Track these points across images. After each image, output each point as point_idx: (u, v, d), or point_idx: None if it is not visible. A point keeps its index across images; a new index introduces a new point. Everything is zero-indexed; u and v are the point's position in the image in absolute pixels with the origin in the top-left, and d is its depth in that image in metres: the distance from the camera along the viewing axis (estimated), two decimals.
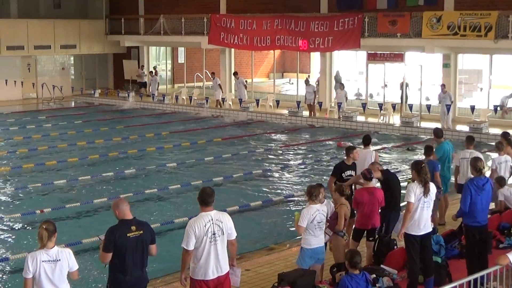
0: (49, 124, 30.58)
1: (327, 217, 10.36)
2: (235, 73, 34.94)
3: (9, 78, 37.51)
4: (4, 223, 15.63)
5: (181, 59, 42.61)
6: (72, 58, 43.25)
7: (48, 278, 7.70)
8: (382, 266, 11.01)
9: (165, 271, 11.88)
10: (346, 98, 31.18)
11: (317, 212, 10.10)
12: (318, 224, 10.09)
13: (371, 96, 33.24)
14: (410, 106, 29.67)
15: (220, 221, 8.51)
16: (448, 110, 27.11)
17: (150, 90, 38.37)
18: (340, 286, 8.54)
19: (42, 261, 7.68)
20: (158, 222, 14.72)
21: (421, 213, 10.01)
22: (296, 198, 17.41)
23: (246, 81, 35.47)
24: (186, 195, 18.04)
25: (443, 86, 28.05)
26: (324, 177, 18.25)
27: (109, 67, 44.10)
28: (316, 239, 10.16)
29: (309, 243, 10.18)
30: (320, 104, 31.46)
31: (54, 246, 7.78)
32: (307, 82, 32.28)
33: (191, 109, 35.00)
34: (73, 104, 39.34)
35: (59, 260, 7.75)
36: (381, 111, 29.69)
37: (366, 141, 14.24)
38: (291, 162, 22.01)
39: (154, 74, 38.92)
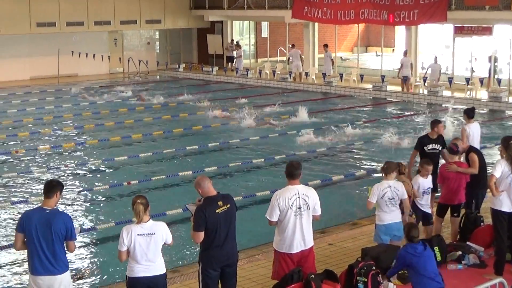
0: (134, 98, 31.09)
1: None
2: (326, 46, 34.62)
3: (96, 53, 38.21)
4: (93, 194, 16.03)
5: (265, 33, 42.58)
6: (157, 33, 43.78)
7: (143, 251, 7.80)
8: (468, 243, 10.81)
9: (246, 244, 11.95)
10: (440, 72, 30.43)
11: (388, 189, 9.99)
12: (389, 200, 9.98)
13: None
14: (499, 81, 28.89)
15: (307, 195, 8.53)
16: None
17: (236, 65, 38.51)
18: (397, 256, 8.62)
19: (137, 235, 7.79)
20: (240, 196, 14.78)
21: (509, 189, 9.77)
22: (379, 174, 17.20)
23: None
24: (269, 169, 18.08)
25: None
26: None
27: (193, 42, 44.45)
28: (388, 215, 10.03)
29: (381, 219, 10.10)
30: (404, 78, 30.96)
31: (149, 220, 7.89)
32: (405, 53, 31.42)
33: (275, 83, 35.02)
34: (158, 78, 39.91)
35: (154, 233, 7.85)
36: (468, 86, 29.02)
37: (471, 114, 13.87)
38: (374, 137, 21.75)
39: (239, 48, 39.04)
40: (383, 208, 10.00)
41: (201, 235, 8.14)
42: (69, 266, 8.07)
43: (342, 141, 21.06)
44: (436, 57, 30.53)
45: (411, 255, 8.44)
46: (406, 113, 26.89)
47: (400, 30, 39.08)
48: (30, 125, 24.73)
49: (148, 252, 7.83)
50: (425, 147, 12.60)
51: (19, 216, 8.26)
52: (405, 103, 29.23)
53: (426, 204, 11.13)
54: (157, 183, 16.71)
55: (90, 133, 23.17)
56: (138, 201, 7.83)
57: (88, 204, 15.37)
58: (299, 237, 8.53)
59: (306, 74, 34.45)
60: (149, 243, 7.82)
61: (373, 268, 9.00)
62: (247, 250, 11.60)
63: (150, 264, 7.88)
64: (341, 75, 33.02)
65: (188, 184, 16.25)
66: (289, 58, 36.15)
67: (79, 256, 11.95)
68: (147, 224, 7.86)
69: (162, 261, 8.04)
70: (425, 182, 11.01)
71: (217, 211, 8.17)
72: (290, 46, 36.64)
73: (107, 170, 18.28)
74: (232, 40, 40.89)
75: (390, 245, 9.93)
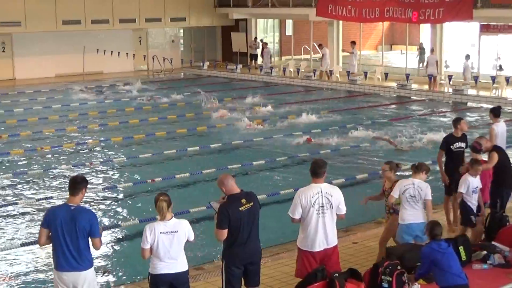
0: (159, 95, 31.19)
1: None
2: (353, 43, 34.43)
3: (121, 50, 38.39)
4: (117, 191, 16.09)
5: (289, 31, 42.56)
6: (181, 31, 43.88)
7: (166, 249, 7.81)
8: (493, 242, 10.70)
9: (270, 242, 11.92)
10: (469, 69, 30.06)
11: (411, 186, 9.91)
12: (410, 198, 9.89)
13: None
14: None
15: (330, 194, 8.51)
16: None
17: (263, 62, 38.39)
18: (422, 256, 8.51)
19: (160, 233, 7.80)
20: (264, 193, 14.75)
21: None
22: (403, 173, 17.09)
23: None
24: (294, 168, 18.03)
25: None
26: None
27: (217, 40, 44.49)
28: (410, 214, 9.92)
29: (402, 218, 10.01)
30: (430, 76, 30.77)
31: (172, 218, 7.90)
32: (432, 51, 31.17)
33: (298, 81, 34.99)
34: (182, 76, 40.00)
35: (177, 231, 7.86)
36: (494, 85, 28.76)
37: (497, 113, 13.74)
38: (399, 135, 21.62)
39: (266, 46, 38.93)
40: (404, 204, 9.93)
41: (224, 232, 8.14)
42: (93, 262, 8.09)
43: (365, 140, 20.96)
44: (468, 54, 30.14)
45: (435, 251, 8.35)
46: (428, 112, 26.71)
47: (425, 28, 38.82)
48: (55, 122, 24.87)
49: (171, 250, 7.85)
50: (451, 146, 12.49)
51: (44, 212, 8.30)
52: (430, 102, 29.04)
53: (475, 203, 11.04)
54: (180, 180, 16.73)
55: (115, 130, 23.25)
56: (161, 198, 7.85)
57: (112, 201, 15.43)
58: (322, 235, 8.50)
59: (331, 72, 34.35)
60: (172, 241, 7.84)
61: (398, 267, 8.93)
62: (271, 248, 11.59)
63: (173, 261, 7.90)
64: (365, 73, 32.89)
65: (212, 182, 16.26)
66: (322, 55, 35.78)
67: (103, 252, 11.99)
68: (170, 222, 7.87)
69: (185, 258, 8.06)
70: (474, 181, 10.93)
71: (240, 209, 8.17)
72: (317, 45, 36.40)
73: (131, 168, 18.35)
74: (256, 38, 40.90)
75: (415, 244, 9.85)
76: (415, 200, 9.92)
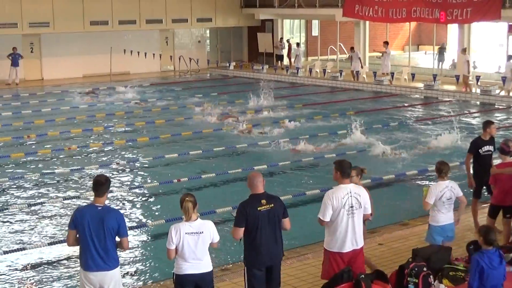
0: (185, 95, 31.30)
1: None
2: (386, 43, 34.17)
3: (148, 51, 38.59)
4: (143, 191, 16.16)
5: (315, 32, 42.50)
6: (208, 31, 43.99)
7: (191, 250, 7.84)
8: None
9: (295, 243, 11.91)
10: None
11: (446, 189, 9.86)
12: (447, 200, 9.86)
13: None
14: None
15: (358, 194, 8.53)
16: None
17: (294, 63, 38.27)
18: (472, 265, 8.25)
19: (186, 233, 7.83)
20: (289, 194, 14.73)
21: None
22: (429, 173, 17.00)
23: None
24: (320, 167, 17.99)
25: None
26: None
27: (243, 40, 44.54)
28: (444, 216, 9.92)
29: (436, 220, 9.96)
30: (457, 77, 30.56)
31: (197, 218, 7.92)
32: (464, 51, 30.76)
33: (325, 82, 34.93)
34: (208, 76, 40.10)
35: (202, 232, 7.88)
36: None
37: None
38: (425, 137, 21.50)
39: (298, 46, 38.80)
40: (441, 209, 9.88)
41: (239, 231, 8.18)
42: (120, 262, 8.14)
43: (390, 141, 20.85)
44: (510, 55, 29.70)
45: (487, 266, 8.02)
46: (458, 112, 26.53)
47: (453, 29, 38.56)
48: (82, 122, 25.04)
49: (196, 251, 7.87)
50: (480, 150, 12.40)
51: (72, 212, 8.36)
52: (457, 103, 28.82)
53: None
54: (207, 180, 16.78)
55: (141, 130, 23.35)
56: (187, 198, 7.87)
57: (138, 201, 15.49)
58: (351, 236, 8.51)
59: (357, 73, 34.23)
60: (197, 242, 7.86)
61: (424, 269, 8.88)
62: (297, 249, 11.58)
63: (198, 261, 7.92)
64: (392, 74, 32.73)
65: (238, 182, 16.29)
66: (350, 56, 35.61)
67: (128, 252, 12.03)
68: (195, 223, 7.89)
69: (209, 259, 8.08)
70: None
71: (259, 208, 8.19)
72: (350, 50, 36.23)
73: (157, 167, 18.41)
74: (281, 38, 40.87)
75: (441, 246, 9.79)
76: (451, 202, 9.94)
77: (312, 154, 19.28)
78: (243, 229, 8.18)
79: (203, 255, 7.95)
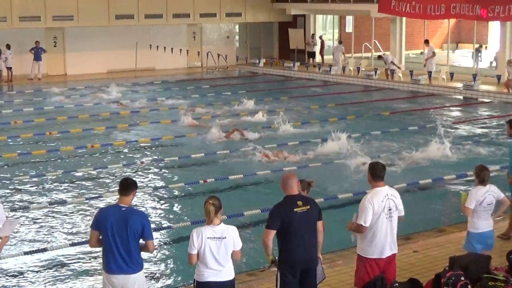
0: (212, 93, 31.36)
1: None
2: (427, 41, 33.91)
3: (175, 46, 38.75)
4: (168, 192, 16.21)
5: (349, 28, 42.35)
6: (237, 27, 44.04)
7: (213, 256, 7.78)
8: None
9: (325, 249, 11.82)
10: None
11: (487, 193, 9.78)
12: (488, 206, 9.79)
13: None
14: None
15: (394, 196, 8.52)
16: None
17: (334, 60, 38.07)
18: None
19: (208, 238, 7.76)
20: (321, 197, 14.67)
21: None
22: (469, 178, 16.86)
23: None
24: (353, 170, 17.88)
25: None
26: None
27: (274, 36, 44.54)
28: (484, 223, 9.84)
29: (476, 227, 9.88)
30: (498, 77, 30.28)
31: (220, 223, 7.85)
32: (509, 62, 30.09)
33: (358, 81, 34.83)
34: (237, 73, 40.15)
35: (225, 237, 7.81)
36: None
37: None
38: (464, 139, 21.33)
39: (340, 44, 38.55)
40: (481, 215, 9.80)
41: (271, 233, 8.12)
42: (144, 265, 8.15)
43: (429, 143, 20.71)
44: None
45: None
46: (498, 115, 26.30)
47: (494, 26, 38.22)
48: (106, 120, 25.19)
49: (218, 257, 7.81)
50: None
51: (94, 212, 8.40)
52: (498, 104, 28.56)
53: None
54: (234, 182, 16.77)
55: (166, 128, 23.41)
56: (210, 201, 7.82)
57: (163, 202, 15.55)
58: (390, 240, 8.50)
59: (392, 71, 34.03)
60: (219, 247, 7.80)
61: (462, 278, 8.79)
62: (327, 255, 11.51)
63: (220, 269, 7.85)
64: (429, 73, 32.49)
65: (265, 184, 16.28)
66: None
67: (151, 255, 12.06)
68: (218, 227, 7.82)
69: (232, 266, 8.02)
70: None
71: (295, 210, 8.15)
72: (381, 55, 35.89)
73: (182, 167, 18.44)
74: (313, 35, 40.77)
75: (480, 254, 9.69)
76: (491, 207, 9.90)
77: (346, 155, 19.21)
78: (274, 231, 8.14)
79: (226, 262, 7.88)
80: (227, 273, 7.92)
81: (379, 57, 35.28)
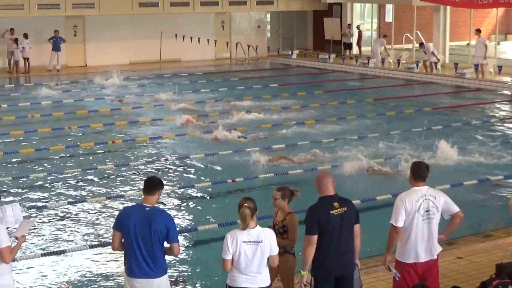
0: (242, 86, 31.38)
1: None
2: (478, 30, 33.17)
3: (202, 36, 38.76)
4: (194, 191, 16.26)
5: (389, 17, 42.15)
6: (268, 16, 44.02)
7: (248, 261, 7.75)
8: None
9: (362, 254, 11.78)
10: None
11: None
12: None
13: None
14: None
15: (434, 196, 8.43)
16: None
17: (372, 52, 37.88)
18: None
19: (243, 242, 7.74)
20: (357, 199, 14.61)
21: None
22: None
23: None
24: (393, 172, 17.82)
25: None
26: None
27: (308, 26, 44.47)
28: None
29: None
30: None
31: (256, 226, 7.83)
32: None
33: (399, 74, 34.66)
34: (268, 65, 40.13)
35: (261, 241, 7.77)
36: None
37: None
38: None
39: (385, 37, 38.07)
40: None
41: (315, 239, 8.10)
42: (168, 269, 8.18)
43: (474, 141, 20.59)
44: None
45: None
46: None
47: None
48: (128, 114, 25.30)
49: (254, 262, 7.78)
50: None
51: (116, 212, 8.44)
52: None
53: None
54: (264, 181, 16.77)
55: (192, 124, 23.34)
56: (246, 204, 7.79)
57: (188, 202, 15.60)
58: (427, 243, 8.42)
59: (435, 64, 33.80)
60: (255, 252, 7.77)
61: (510, 287, 8.74)
62: (363, 261, 11.47)
63: (256, 275, 7.83)
64: (475, 66, 32.22)
65: (298, 184, 16.26)
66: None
67: (176, 258, 12.11)
68: (253, 231, 7.80)
69: (268, 273, 7.98)
70: None
71: (331, 212, 8.14)
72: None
73: (209, 166, 18.47)
74: (350, 24, 40.58)
75: None
76: None
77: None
78: (316, 236, 8.10)
79: (261, 267, 7.84)
80: (262, 280, 7.90)
81: (421, 44, 35.01)
